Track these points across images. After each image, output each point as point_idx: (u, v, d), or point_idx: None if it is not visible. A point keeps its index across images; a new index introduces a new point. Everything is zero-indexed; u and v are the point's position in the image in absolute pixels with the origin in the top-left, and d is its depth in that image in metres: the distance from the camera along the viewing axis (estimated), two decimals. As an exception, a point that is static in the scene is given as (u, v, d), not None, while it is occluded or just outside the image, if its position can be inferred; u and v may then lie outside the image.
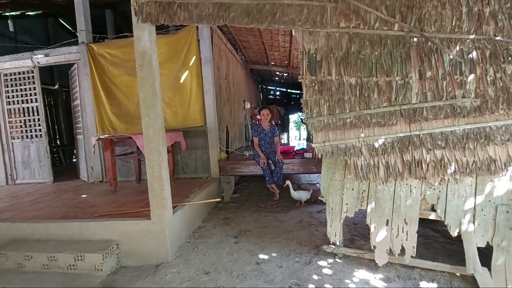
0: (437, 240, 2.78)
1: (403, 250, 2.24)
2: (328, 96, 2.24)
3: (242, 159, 4.49)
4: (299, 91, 13.05)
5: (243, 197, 4.57)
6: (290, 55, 6.65)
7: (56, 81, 8.38)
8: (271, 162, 4.15)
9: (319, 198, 2.47)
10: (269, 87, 13.55)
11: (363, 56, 2.17)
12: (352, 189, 2.30)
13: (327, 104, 2.25)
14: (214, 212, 3.84)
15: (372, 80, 2.17)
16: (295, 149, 4.93)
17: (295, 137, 19.54)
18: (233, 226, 3.36)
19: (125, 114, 4.59)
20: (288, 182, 3.77)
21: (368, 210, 2.27)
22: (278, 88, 13.51)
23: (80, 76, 4.80)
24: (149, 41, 2.38)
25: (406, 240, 2.22)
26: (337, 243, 2.39)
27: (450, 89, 2.07)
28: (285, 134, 13.34)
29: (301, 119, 12.56)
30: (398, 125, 2.19)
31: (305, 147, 5.06)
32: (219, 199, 3.23)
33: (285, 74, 9.62)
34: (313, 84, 2.25)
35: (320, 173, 4.56)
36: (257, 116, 9.59)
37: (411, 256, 2.22)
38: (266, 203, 4.16)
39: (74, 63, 4.92)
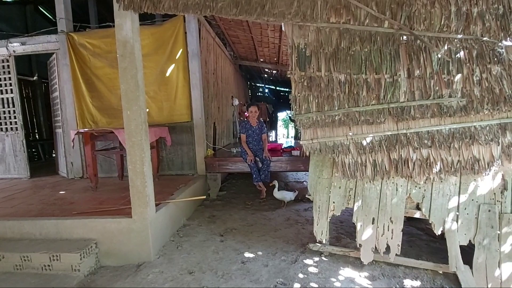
0: (420, 238, 2.82)
1: (388, 248, 2.25)
2: (317, 92, 2.20)
3: (230, 156, 4.41)
4: (287, 89, 13.06)
5: (229, 194, 4.50)
6: (279, 52, 6.59)
7: (35, 72, 8.00)
8: (258, 159, 4.09)
9: (306, 196, 2.43)
10: (257, 84, 13.47)
11: (352, 53, 2.14)
12: (339, 187, 2.28)
13: (316, 100, 2.21)
14: (200, 209, 3.76)
15: (361, 77, 2.14)
16: (282, 147, 4.90)
17: (283, 135, 19.60)
18: (219, 224, 3.29)
19: (107, 108, 4.41)
20: (274, 182, 3.72)
21: (355, 209, 2.26)
22: (266, 86, 13.45)
23: (59, 66, 4.57)
24: (131, 30, 2.26)
25: (392, 239, 2.22)
26: (324, 242, 2.37)
27: (437, 88, 2.08)
28: (273, 132, 13.34)
29: (290, 117, 12.58)
30: (386, 123, 2.18)
31: (293, 145, 5.03)
32: (204, 197, 3.15)
33: (274, 72, 9.57)
34: (302, 80, 2.21)
35: (308, 171, 4.59)
36: (245, 113, 9.51)
37: (396, 254, 2.23)
38: (253, 200, 4.11)
39: (53, 53, 4.67)
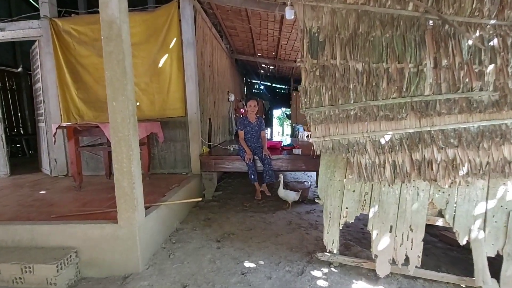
0: (436, 246, 2.60)
1: (406, 260, 2.01)
2: (330, 83, 1.94)
3: (226, 154, 4.13)
4: (284, 86, 12.81)
5: (226, 195, 4.23)
6: (278, 46, 6.31)
7: (19, 64, 7.56)
8: (257, 158, 3.83)
9: (315, 200, 2.18)
10: (253, 81, 13.17)
11: (372, 38, 1.89)
12: (353, 191, 2.03)
13: (329, 92, 1.95)
14: (194, 211, 3.47)
15: (381, 67, 1.89)
16: (282, 145, 4.64)
17: (278, 132, 19.35)
18: (216, 228, 3.01)
19: (94, 101, 4.07)
20: (280, 177, 3.46)
21: (370, 215, 2.01)
22: (262, 82, 13.15)
23: (42, 55, 4.19)
24: (118, 8, 1.96)
25: (411, 249, 1.99)
26: (334, 251, 2.12)
27: (467, 80, 1.84)
28: (269, 130, 13.08)
29: (286, 114, 12.33)
30: (407, 119, 1.93)
31: (291, 143, 4.78)
32: (200, 199, 2.87)
33: (271, 67, 9.29)
34: (314, 69, 1.94)
35: (309, 171, 4.35)
36: (241, 110, 9.22)
37: (416, 266, 1.99)
38: (251, 201, 3.85)
39: (35, 40, 4.29)
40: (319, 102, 1.97)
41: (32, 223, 2.31)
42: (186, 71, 3.96)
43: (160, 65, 3.94)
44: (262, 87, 13.63)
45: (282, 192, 3.47)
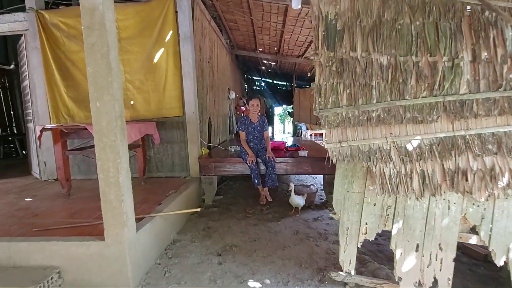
0: (460, 261, 2.34)
1: (434, 281, 1.76)
2: (349, 80, 1.66)
3: (227, 156, 3.86)
4: (285, 83, 12.51)
5: (227, 199, 3.97)
6: (281, 41, 6.02)
7: (11, 60, 7.27)
8: (260, 160, 3.56)
9: (330, 214, 1.92)
10: (254, 77, 12.87)
11: (400, 27, 1.61)
12: (374, 205, 1.76)
13: (348, 91, 1.68)
14: (193, 219, 3.21)
15: (410, 60, 1.61)
16: (286, 146, 4.37)
17: (279, 130, 19.08)
18: (216, 239, 2.75)
19: (85, 99, 3.77)
20: (291, 185, 3.21)
21: (394, 232, 1.75)
22: (263, 79, 12.85)
23: (29, 50, 3.91)
24: (101, -7, 1.68)
25: (440, 270, 1.73)
26: (352, 273, 1.86)
27: (511, 76, 1.56)
28: (270, 128, 12.81)
29: (288, 112, 12.05)
30: (438, 122, 1.66)
31: (296, 143, 4.51)
32: (199, 209, 2.61)
33: (273, 63, 9.00)
34: (330, 63, 1.66)
35: (316, 174, 4.09)
36: (242, 108, 8.94)
37: (446, 290, 1.74)
38: (254, 207, 3.59)
39: (21, 35, 4.00)
40: (336, 102, 1.70)
41: (10, 240, 2.06)
42: (183, 67, 3.68)
43: (155, 60, 3.66)
44: (262, 84, 13.33)
45: (295, 200, 3.22)
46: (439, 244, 1.72)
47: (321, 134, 7.73)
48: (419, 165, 1.66)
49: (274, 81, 12.51)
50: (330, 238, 2.76)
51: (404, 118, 1.66)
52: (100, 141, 1.80)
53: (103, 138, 1.79)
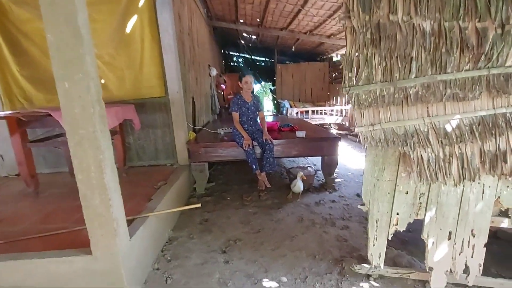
0: (492, 244, 2.28)
1: (465, 269, 1.67)
2: (386, 50, 1.39)
3: (218, 140, 3.52)
4: (265, 58, 11.98)
5: (219, 186, 3.69)
6: (265, 11, 5.53)
7: None
8: (256, 143, 3.28)
9: (359, 206, 1.72)
10: (231, 53, 12.17)
11: (447, -16, 1.34)
12: (407, 193, 1.59)
13: (384, 64, 1.41)
14: (188, 212, 2.91)
15: (456, 26, 1.36)
16: (279, 126, 4.10)
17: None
18: (217, 234, 2.51)
19: (44, 79, 3.17)
20: (300, 174, 2.99)
21: (426, 220, 1.60)
22: (241, 54, 12.20)
23: (-37, 18, 3.13)
24: None
25: (472, 257, 1.64)
26: (382, 267, 1.71)
27: None
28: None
29: (271, 89, 11.65)
30: (478, 99, 1.47)
31: (289, 123, 4.26)
32: (199, 205, 2.30)
33: (254, 37, 8.44)
34: (364, 29, 1.37)
35: (314, 156, 3.89)
36: (222, 86, 8.43)
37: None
38: (251, 193, 3.35)
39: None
40: (369, 77, 1.43)
41: (-35, 259, 1.64)
42: (162, 39, 3.17)
43: (127, 30, 3.10)
44: (240, 59, 12.68)
45: (300, 187, 3.01)
46: (472, 230, 1.61)
47: (306, 112, 7.54)
48: (459, 148, 1.48)
49: (254, 57, 11.93)
50: (338, 224, 2.63)
51: (444, 95, 1.44)
52: (75, 134, 1.40)
53: (79, 130, 1.39)
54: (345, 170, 4.29)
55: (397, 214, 1.61)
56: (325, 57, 9.78)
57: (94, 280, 1.59)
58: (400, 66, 1.40)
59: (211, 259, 2.13)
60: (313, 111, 7.61)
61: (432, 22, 1.36)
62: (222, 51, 11.17)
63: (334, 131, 7.27)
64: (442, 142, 1.47)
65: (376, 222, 1.63)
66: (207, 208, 3.01)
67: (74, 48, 1.34)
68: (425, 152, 1.48)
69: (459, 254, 1.63)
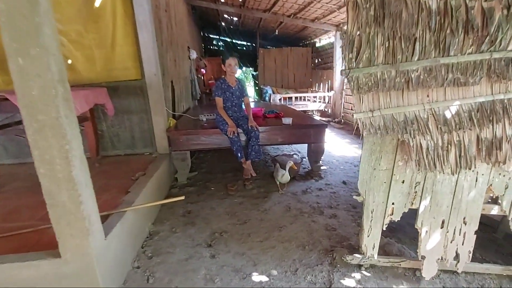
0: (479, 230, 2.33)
1: (455, 256, 1.68)
2: (389, 29, 1.28)
3: (200, 127, 3.33)
4: (246, 43, 11.61)
5: (202, 175, 3.53)
6: (248, -10, 5.23)
7: None
8: (241, 130, 3.13)
9: (354, 197, 1.65)
10: (211, 35, 11.65)
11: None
12: (403, 182, 1.53)
13: (387, 44, 1.30)
14: (169, 204, 2.75)
15: (463, 5, 1.27)
16: (264, 112, 3.96)
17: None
18: (201, 226, 2.38)
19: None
20: (291, 163, 2.87)
21: (421, 210, 1.57)
22: (222, 38, 11.72)
23: None
24: None
25: (462, 244, 1.64)
26: (375, 257, 1.68)
27: None
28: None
29: (253, 74, 11.37)
30: (478, 85, 1.42)
31: (274, 109, 4.13)
32: (183, 197, 2.13)
33: (235, 19, 8.08)
34: (368, 5, 1.24)
35: (301, 143, 3.81)
36: (202, 70, 8.07)
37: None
38: (236, 182, 3.23)
39: None
40: (370, 58, 1.32)
41: None
42: (137, 15, 2.86)
43: (96, 4, 2.76)
44: (220, 43, 12.19)
45: (287, 177, 2.91)
46: (464, 218, 1.60)
47: (289, 98, 7.43)
48: (457, 135, 1.44)
49: (235, 41, 11.50)
50: (326, 212, 2.59)
51: (446, 79, 1.37)
52: (33, 120, 1.17)
53: (38, 115, 1.17)
54: (330, 157, 4.27)
55: (393, 204, 1.56)
56: (307, 42, 9.63)
57: (65, 284, 1.41)
58: (403, 47, 1.30)
59: (196, 254, 2.01)
60: (296, 98, 7.52)
61: (438, 0, 1.26)
62: (202, 33, 10.65)
63: (317, 117, 7.26)
64: (441, 129, 1.41)
65: (372, 213, 1.58)
66: (190, 199, 2.86)
67: (29, 17, 1.10)
68: (425, 140, 1.42)
69: (451, 242, 1.63)
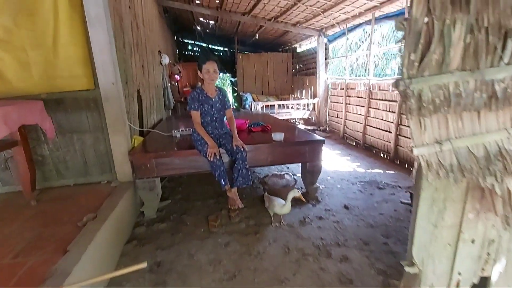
0: None
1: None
2: (476, 16, 0.80)
3: (173, 148, 2.71)
4: (223, 48, 11.08)
5: (177, 204, 2.89)
6: (226, -11, 4.72)
7: None
8: (223, 150, 2.56)
9: (406, 269, 1.14)
10: (186, 40, 10.99)
11: None
12: (473, 242, 1.05)
13: (467, 41, 0.82)
14: (131, 252, 2.09)
15: None
16: (248, 125, 3.42)
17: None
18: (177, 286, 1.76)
19: None
20: (297, 193, 2.32)
21: (494, 278, 1.09)
22: (197, 43, 11.10)
23: None
24: None
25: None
26: None
27: None
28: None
29: (231, 81, 10.80)
30: None
31: (261, 122, 3.60)
32: (145, 264, 1.50)
33: (212, 22, 7.53)
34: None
35: (295, 163, 3.28)
36: (176, 77, 7.40)
37: None
38: (219, 212, 2.64)
39: None
40: (441, 63, 0.83)
41: None
42: (87, 9, 2.22)
43: (29, -9, 2.09)
44: (196, 48, 11.55)
45: (288, 208, 2.36)
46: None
47: (272, 106, 6.96)
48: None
49: (211, 45, 10.93)
50: (334, 253, 2.08)
51: (539, 93, 0.91)
52: None
53: None
54: (323, 173, 3.77)
55: (459, 274, 1.07)
56: (288, 47, 9.30)
57: None
58: (492, 44, 0.82)
59: None
60: (279, 105, 7.07)
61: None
62: (176, 38, 9.97)
63: (301, 126, 6.85)
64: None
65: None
66: (161, 242, 2.22)
67: None
68: (510, 180, 0.95)
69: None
